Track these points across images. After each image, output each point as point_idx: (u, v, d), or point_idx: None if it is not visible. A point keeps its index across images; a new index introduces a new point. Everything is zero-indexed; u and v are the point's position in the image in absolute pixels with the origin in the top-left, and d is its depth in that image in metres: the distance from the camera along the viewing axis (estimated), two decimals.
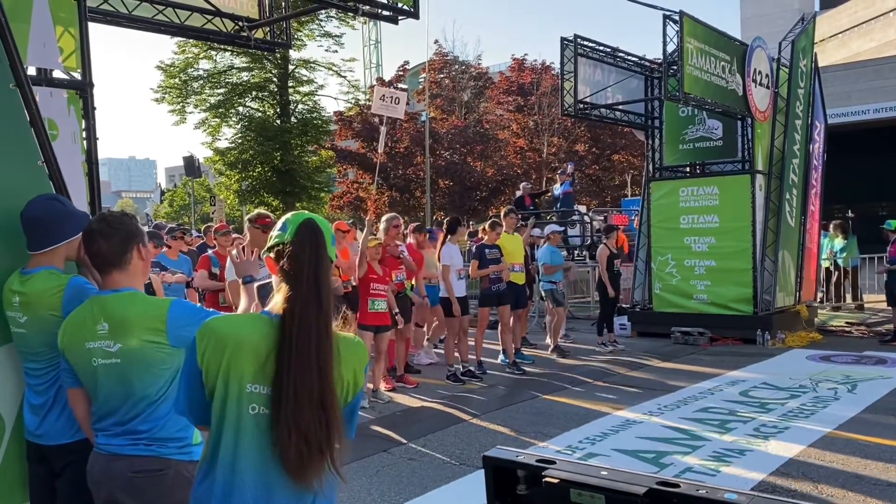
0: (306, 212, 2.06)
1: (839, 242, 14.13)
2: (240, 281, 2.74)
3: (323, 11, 24.50)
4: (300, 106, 28.27)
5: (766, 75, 11.33)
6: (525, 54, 38.66)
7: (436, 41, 35.16)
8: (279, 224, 2.02)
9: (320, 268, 1.93)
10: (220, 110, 27.67)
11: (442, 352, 9.30)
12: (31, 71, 4.13)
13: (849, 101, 22.03)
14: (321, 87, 38.73)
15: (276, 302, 1.94)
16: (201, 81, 27.51)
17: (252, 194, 27.64)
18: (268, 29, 8.67)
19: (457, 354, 8.50)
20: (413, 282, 8.69)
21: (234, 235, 8.59)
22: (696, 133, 11.97)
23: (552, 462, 1.85)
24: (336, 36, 27.60)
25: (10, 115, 3.04)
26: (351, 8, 8.61)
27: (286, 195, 26.88)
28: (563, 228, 12.89)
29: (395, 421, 6.72)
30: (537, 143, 27.97)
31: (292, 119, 27.59)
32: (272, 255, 1.99)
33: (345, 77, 29.05)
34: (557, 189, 16.92)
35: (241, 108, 28.01)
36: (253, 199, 27.50)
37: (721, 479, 4.90)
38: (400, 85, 26.26)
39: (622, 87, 12.25)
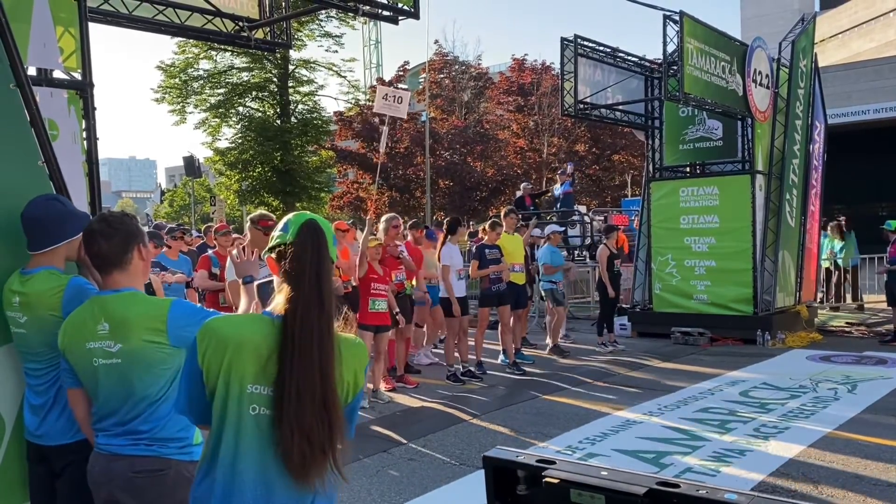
0: (308, 212, 2.06)
1: (839, 243, 14.14)
2: (240, 281, 2.74)
3: (323, 11, 24.50)
4: (300, 106, 28.26)
5: (767, 75, 11.33)
6: (525, 54, 38.58)
7: (436, 41, 35.18)
8: (281, 224, 2.02)
9: (322, 268, 1.93)
10: (221, 110, 27.67)
11: (441, 352, 9.31)
12: (32, 71, 4.13)
13: (849, 101, 22.03)
14: (321, 87, 38.70)
15: (278, 302, 1.94)
16: (201, 81, 27.50)
17: (252, 194, 27.64)
18: (268, 29, 8.68)
19: (457, 354, 8.51)
20: (413, 282, 8.69)
21: (235, 235, 8.59)
22: (696, 133, 11.97)
23: (552, 462, 1.85)
24: (336, 36, 27.63)
25: (10, 115, 3.04)
26: (351, 8, 8.61)
27: (286, 195, 26.87)
28: (563, 228, 12.90)
29: (395, 421, 6.72)
30: (537, 144, 27.96)
31: (292, 119, 27.58)
32: (274, 255, 1.99)
33: (345, 77, 29.10)
34: (557, 189, 16.93)
35: (241, 109, 28.00)
36: (253, 199, 27.49)
37: (721, 480, 4.90)
38: (400, 85, 26.22)
39: (622, 87, 12.25)
